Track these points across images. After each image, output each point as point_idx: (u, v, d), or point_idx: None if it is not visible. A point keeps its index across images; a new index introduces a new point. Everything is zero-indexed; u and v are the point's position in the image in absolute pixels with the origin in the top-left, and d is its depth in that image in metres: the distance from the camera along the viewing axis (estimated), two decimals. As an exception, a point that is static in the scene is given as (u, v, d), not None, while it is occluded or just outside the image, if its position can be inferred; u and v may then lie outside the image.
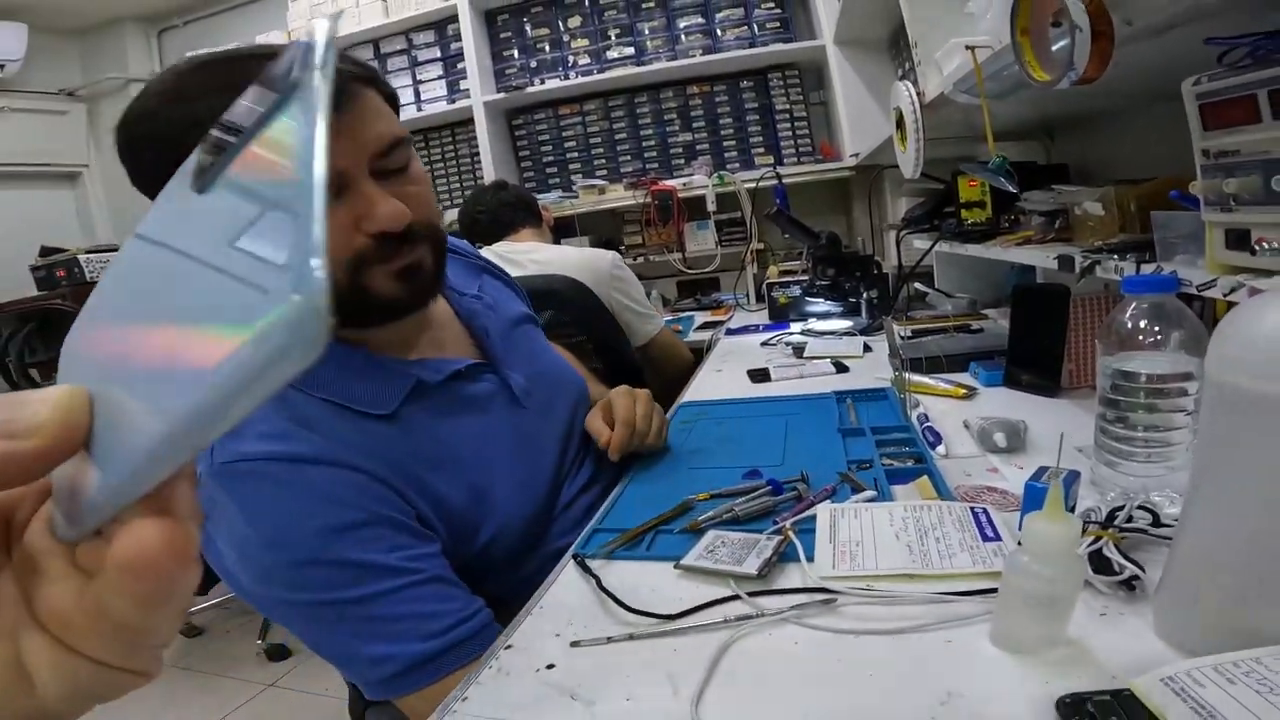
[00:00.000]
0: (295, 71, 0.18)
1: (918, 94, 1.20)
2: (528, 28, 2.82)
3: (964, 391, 1.09)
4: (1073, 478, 0.62)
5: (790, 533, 0.66)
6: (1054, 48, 0.66)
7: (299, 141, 0.18)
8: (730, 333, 2.01)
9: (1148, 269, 0.73)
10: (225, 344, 0.17)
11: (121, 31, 3.44)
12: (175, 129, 0.58)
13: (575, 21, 2.77)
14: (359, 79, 0.65)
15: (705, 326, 2.26)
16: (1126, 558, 0.52)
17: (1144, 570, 0.51)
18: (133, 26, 3.45)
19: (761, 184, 2.52)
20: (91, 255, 2.91)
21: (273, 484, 0.62)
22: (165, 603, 0.20)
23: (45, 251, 3.00)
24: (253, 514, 0.61)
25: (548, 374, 0.91)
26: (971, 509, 0.65)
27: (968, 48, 0.89)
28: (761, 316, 2.18)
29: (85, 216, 3.55)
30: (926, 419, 0.95)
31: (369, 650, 0.62)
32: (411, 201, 0.66)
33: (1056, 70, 0.66)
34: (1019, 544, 0.58)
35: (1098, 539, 0.53)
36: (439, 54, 2.89)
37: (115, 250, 2.92)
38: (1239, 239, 0.60)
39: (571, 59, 2.78)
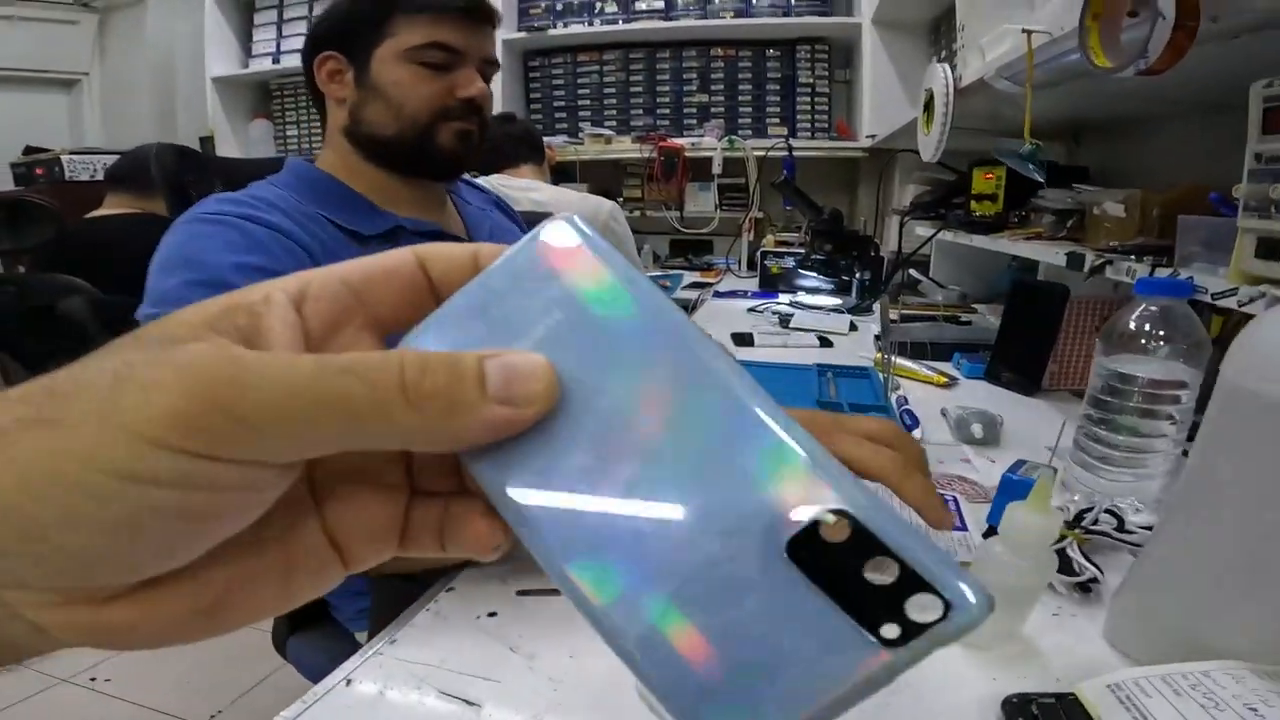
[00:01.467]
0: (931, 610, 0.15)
1: (955, 77, 1.17)
2: (563, -33, 2.72)
3: (945, 380, 1.08)
4: (1050, 475, 0.61)
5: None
6: (1124, 36, 0.64)
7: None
8: (718, 295, 1.98)
9: (1163, 273, 0.71)
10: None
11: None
12: None
13: (609, -33, 2.68)
14: (492, 13, 0.90)
15: (693, 286, 2.23)
16: (1089, 560, 0.51)
17: (1103, 574, 0.51)
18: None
19: (771, 154, 2.47)
20: (75, 156, 2.84)
21: (221, 227, 0.73)
22: None
23: (29, 150, 2.94)
24: (192, 239, 0.72)
25: None
26: (941, 496, 0.64)
27: (1024, 31, 0.87)
28: (751, 284, 2.15)
29: (76, 122, 3.46)
30: (905, 402, 0.94)
31: None
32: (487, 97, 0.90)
33: (1122, 58, 0.63)
34: (983, 536, 0.57)
35: (1063, 538, 0.52)
36: (465, -17, 2.80)
37: (102, 154, 2.85)
38: (1270, 248, 0.59)
39: (599, 5, 2.69)
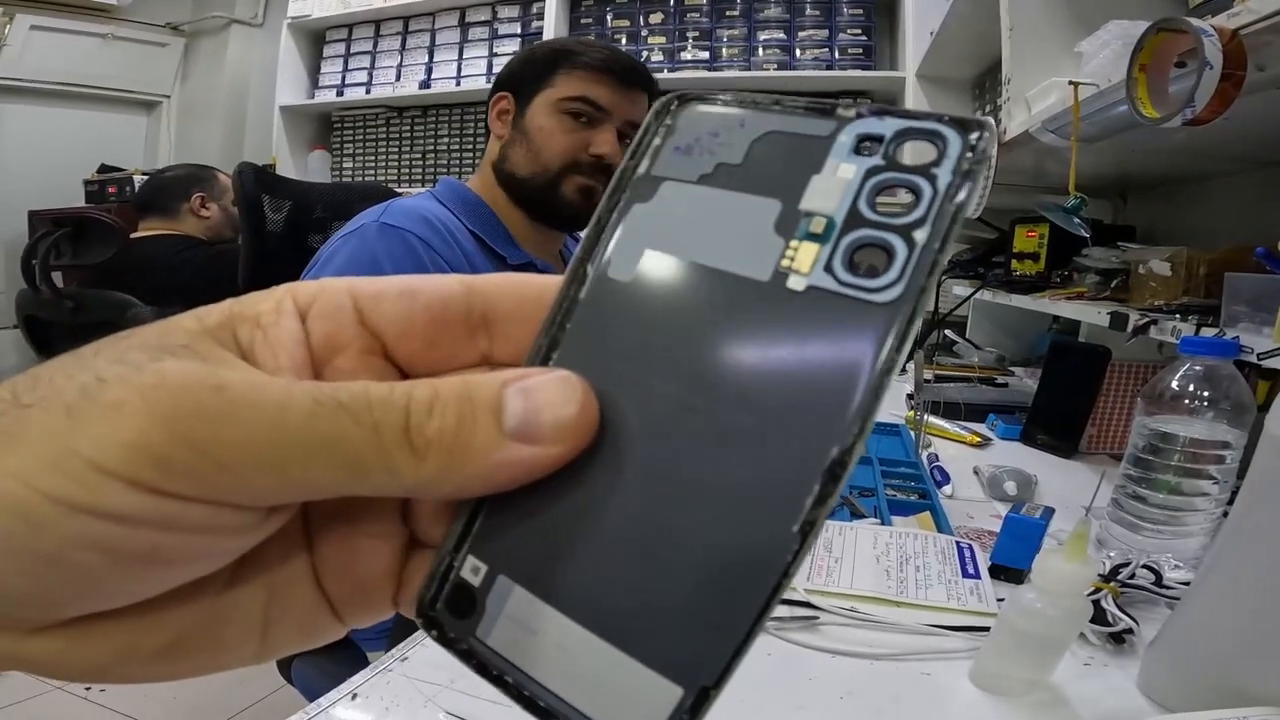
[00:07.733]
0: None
1: (999, 131, 1.17)
2: (609, 16, 2.81)
3: (978, 439, 1.06)
4: (1048, 514, 0.60)
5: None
6: (1172, 88, 0.64)
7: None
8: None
9: (1208, 333, 0.70)
10: None
11: (239, -28, 3.51)
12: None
13: (657, 18, 2.76)
14: (647, 79, 0.97)
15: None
16: (1124, 611, 0.50)
17: (1138, 624, 0.50)
18: (250, -32, 3.52)
19: (813, 207, 2.48)
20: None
21: (393, 239, 0.83)
22: None
23: (104, 169, 3.07)
24: (373, 250, 0.82)
25: None
26: (957, 544, 0.63)
27: (1071, 83, 0.87)
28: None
29: (153, 143, 3.61)
30: (936, 459, 0.92)
31: None
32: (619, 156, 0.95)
33: (1169, 108, 0.63)
34: (989, 574, 0.55)
35: (1098, 590, 0.51)
36: (519, 30, 2.91)
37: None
38: (1317, 307, 0.57)
39: (645, 54, 2.77)
